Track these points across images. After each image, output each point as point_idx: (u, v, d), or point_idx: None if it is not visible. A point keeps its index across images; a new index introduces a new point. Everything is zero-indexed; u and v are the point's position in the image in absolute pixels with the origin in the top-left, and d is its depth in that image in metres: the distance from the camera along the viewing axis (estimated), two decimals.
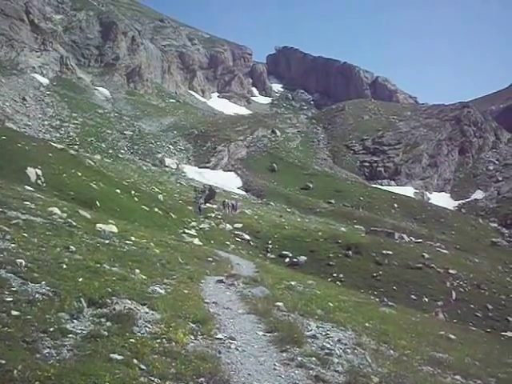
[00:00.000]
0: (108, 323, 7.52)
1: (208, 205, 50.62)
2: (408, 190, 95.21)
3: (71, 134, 77.65)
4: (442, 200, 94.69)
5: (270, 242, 40.80)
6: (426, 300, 31.54)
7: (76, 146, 69.45)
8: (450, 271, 36.29)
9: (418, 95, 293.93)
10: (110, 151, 76.87)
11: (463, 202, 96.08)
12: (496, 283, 36.43)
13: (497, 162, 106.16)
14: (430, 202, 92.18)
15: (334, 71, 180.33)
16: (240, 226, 43.32)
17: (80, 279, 9.09)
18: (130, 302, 8.66)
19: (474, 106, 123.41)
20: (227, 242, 36.84)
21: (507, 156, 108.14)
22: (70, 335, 6.75)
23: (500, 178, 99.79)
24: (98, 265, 10.90)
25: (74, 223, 15.99)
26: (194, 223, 39.20)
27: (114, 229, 18.24)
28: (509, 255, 55.21)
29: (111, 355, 6.30)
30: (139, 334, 7.49)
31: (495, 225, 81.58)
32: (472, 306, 31.66)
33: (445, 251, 43.80)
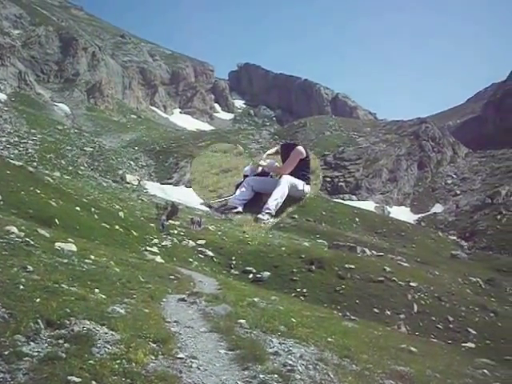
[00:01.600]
0: (66, 345, 7.32)
1: (171, 221, 50.14)
2: (369, 205, 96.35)
3: (30, 150, 76.06)
4: (402, 214, 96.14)
5: (233, 258, 40.57)
6: (389, 313, 31.79)
7: (35, 163, 68.12)
8: (412, 284, 36.71)
9: (377, 111, 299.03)
10: (70, 168, 75.55)
11: (423, 215, 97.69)
12: (456, 295, 37.02)
13: (455, 176, 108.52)
14: (390, 215, 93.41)
15: (295, 88, 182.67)
16: (203, 242, 42.96)
17: (37, 300, 8.83)
18: (88, 322, 8.46)
19: (432, 121, 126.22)
20: (190, 259, 36.50)
21: (465, 170, 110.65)
22: (26, 358, 6.53)
23: (458, 192, 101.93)
24: (57, 285, 10.61)
25: (32, 242, 15.61)
26: (156, 240, 38.71)
27: (74, 247, 17.87)
28: (468, 267, 56.26)
29: (69, 377, 6.11)
30: (98, 355, 7.31)
31: (454, 237, 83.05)
32: (433, 318, 32.08)
33: (406, 264, 44.40)
